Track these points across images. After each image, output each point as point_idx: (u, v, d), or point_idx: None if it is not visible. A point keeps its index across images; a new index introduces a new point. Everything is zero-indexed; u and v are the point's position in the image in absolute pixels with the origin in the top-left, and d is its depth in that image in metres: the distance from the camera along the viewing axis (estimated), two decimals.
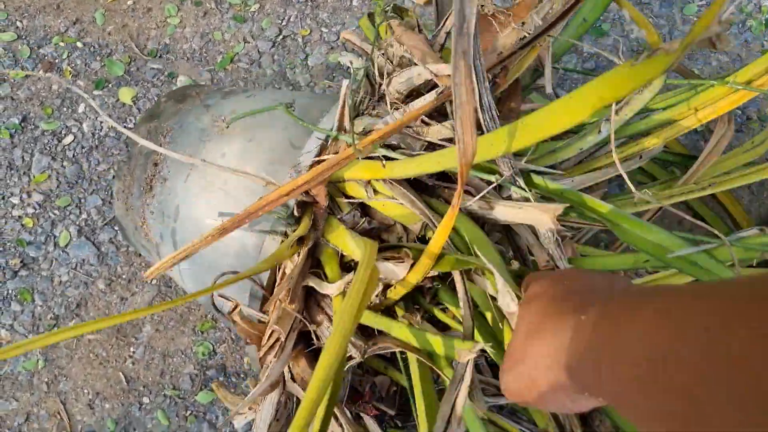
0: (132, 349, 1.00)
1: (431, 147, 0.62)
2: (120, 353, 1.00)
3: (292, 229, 0.64)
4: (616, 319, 0.28)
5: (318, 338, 0.66)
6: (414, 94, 0.64)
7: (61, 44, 1.17)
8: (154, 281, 1.04)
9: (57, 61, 1.16)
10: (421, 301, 0.67)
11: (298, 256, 0.63)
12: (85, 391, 0.98)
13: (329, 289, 0.62)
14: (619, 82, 0.36)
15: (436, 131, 0.60)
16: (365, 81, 0.69)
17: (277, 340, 0.63)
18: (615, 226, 0.54)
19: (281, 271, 0.66)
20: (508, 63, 0.61)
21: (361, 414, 0.71)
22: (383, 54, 0.67)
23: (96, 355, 0.99)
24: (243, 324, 0.63)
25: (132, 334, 1.01)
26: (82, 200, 1.07)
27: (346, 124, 0.63)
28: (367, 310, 0.62)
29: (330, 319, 0.66)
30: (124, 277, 1.04)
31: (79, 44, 1.17)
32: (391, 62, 0.67)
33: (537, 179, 0.60)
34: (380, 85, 0.67)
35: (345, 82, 0.63)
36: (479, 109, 0.53)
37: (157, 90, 1.15)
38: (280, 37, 1.20)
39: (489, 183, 0.58)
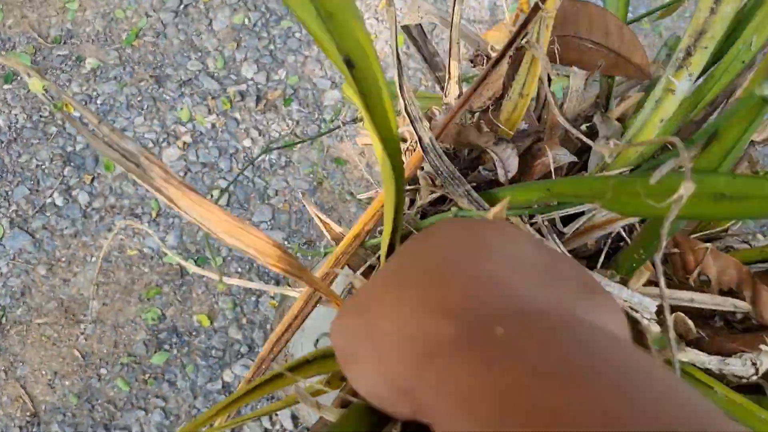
0: (82, 327, 1.03)
1: None
2: (71, 332, 1.03)
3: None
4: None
5: None
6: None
7: None
8: (93, 258, 1.06)
9: None
10: None
11: None
12: (43, 372, 1.01)
13: None
14: None
15: None
16: None
17: None
18: None
19: None
20: None
21: None
22: None
23: (47, 337, 1.02)
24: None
25: (80, 312, 1.03)
26: (9, 192, 1.08)
27: None
28: None
29: None
30: (63, 260, 1.06)
31: None
32: None
33: None
34: None
35: None
36: None
37: (67, 76, 1.16)
38: (182, 6, 1.21)
39: None
